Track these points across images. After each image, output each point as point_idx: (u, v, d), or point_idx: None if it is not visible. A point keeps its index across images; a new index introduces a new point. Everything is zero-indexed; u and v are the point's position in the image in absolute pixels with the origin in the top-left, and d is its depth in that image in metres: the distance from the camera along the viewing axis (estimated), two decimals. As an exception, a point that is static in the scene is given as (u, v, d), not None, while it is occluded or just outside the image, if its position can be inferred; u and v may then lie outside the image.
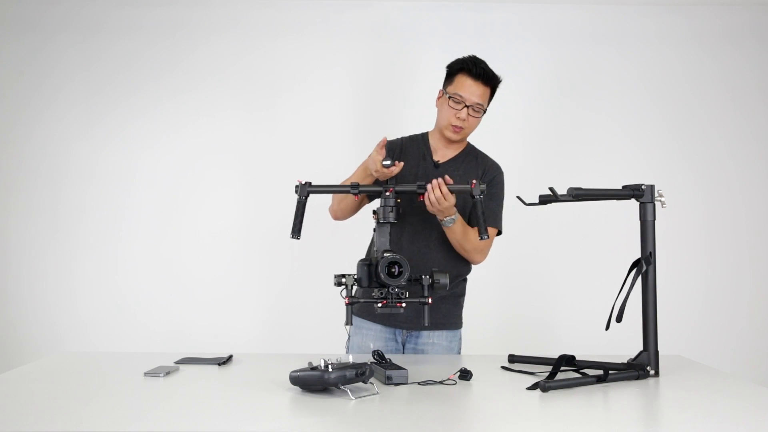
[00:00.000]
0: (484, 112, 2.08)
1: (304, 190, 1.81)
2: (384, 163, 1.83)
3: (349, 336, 2.15)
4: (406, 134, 2.21)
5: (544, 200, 1.77)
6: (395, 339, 2.10)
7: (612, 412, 1.46)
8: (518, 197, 1.83)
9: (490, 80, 2.04)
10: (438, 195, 1.82)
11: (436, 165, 2.11)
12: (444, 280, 1.72)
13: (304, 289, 3.37)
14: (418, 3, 3.44)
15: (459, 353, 2.15)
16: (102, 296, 3.39)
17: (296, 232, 1.81)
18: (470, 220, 2.07)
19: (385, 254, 1.69)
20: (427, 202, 1.83)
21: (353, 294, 1.71)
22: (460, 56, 2.09)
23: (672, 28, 3.49)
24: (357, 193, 1.83)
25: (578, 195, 1.74)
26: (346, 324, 1.74)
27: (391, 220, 1.77)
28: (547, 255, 3.46)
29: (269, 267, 3.42)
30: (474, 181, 1.80)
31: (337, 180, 2.14)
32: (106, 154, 3.42)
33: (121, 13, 3.43)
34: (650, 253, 1.76)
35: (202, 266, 3.41)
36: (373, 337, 2.09)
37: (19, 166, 3.41)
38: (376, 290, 1.71)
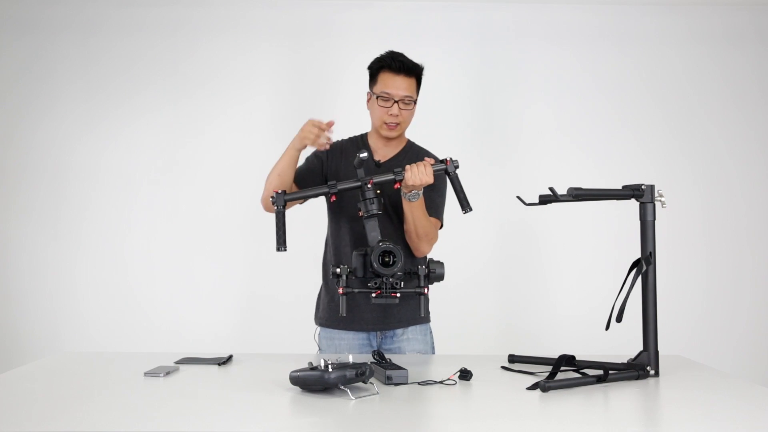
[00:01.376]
0: (415, 103, 2.05)
1: (281, 200, 1.78)
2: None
3: (320, 349, 2.10)
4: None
5: (544, 200, 1.76)
6: (370, 343, 2.07)
7: (612, 412, 1.46)
8: (518, 197, 1.83)
9: (411, 71, 2.02)
10: (422, 170, 1.80)
11: (378, 164, 2.05)
12: (440, 270, 1.73)
13: (306, 289, 3.37)
14: (418, 3, 3.44)
15: (433, 347, 2.14)
16: (102, 296, 3.40)
17: (281, 243, 1.78)
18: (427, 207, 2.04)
19: (379, 244, 1.69)
20: (407, 174, 1.80)
21: (347, 285, 1.71)
22: (377, 56, 2.08)
23: (672, 28, 3.49)
24: (335, 193, 1.81)
25: (578, 195, 1.74)
26: (340, 314, 1.73)
27: (376, 211, 1.75)
28: (547, 255, 3.46)
29: (270, 266, 3.41)
30: (448, 159, 1.83)
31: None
32: (107, 154, 3.42)
33: (121, 14, 3.43)
34: (650, 253, 1.76)
35: (203, 266, 3.41)
36: (347, 346, 2.06)
37: (21, 165, 3.42)
38: (371, 282, 1.70)
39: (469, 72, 3.46)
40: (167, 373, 1.69)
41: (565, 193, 1.75)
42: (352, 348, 2.05)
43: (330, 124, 1.92)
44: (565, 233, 3.45)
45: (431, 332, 2.16)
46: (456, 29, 3.44)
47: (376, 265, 1.67)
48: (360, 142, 2.16)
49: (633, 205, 1.81)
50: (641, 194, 1.77)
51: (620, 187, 1.80)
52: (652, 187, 1.78)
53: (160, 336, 3.34)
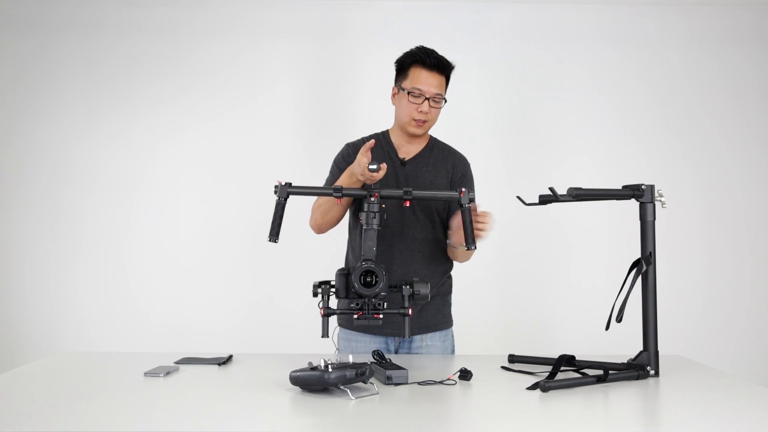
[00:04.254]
0: (445, 102, 2.02)
1: (284, 191, 1.72)
2: (371, 167, 1.72)
3: (338, 349, 2.08)
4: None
5: (544, 200, 1.76)
6: (387, 348, 2.05)
7: (612, 412, 1.46)
8: (518, 197, 1.83)
9: (444, 68, 1.98)
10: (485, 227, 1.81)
11: (403, 162, 2.05)
12: (425, 290, 1.66)
13: (306, 289, 3.36)
14: (418, 3, 3.44)
15: (453, 352, 2.12)
16: (102, 296, 3.40)
17: (274, 235, 1.72)
18: (447, 223, 2.06)
19: (362, 263, 1.64)
20: (480, 234, 1.81)
21: (329, 305, 1.66)
22: (407, 50, 2.02)
23: (672, 28, 3.49)
24: (340, 196, 1.75)
25: (578, 195, 1.74)
26: (323, 336, 1.68)
27: (375, 227, 1.69)
28: (547, 255, 3.46)
29: (271, 267, 3.42)
30: (463, 190, 1.75)
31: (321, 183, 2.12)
32: (107, 155, 3.42)
33: (121, 14, 3.43)
34: (650, 253, 1.76)
35: (203, 266, 3.41)
36: (363, 349, 2.04)
37: (21, 166, 3.41)
38: (354, 302, 1.65)
39: (468, 72, 3.46)
40: (167, 373, 1.69)
41: (565, 193, 1.75)
42: (369, 351, 2.01)
43: (369, 145, 1.80)
44: (565, 233, 3.44)
45: (453, 336, 2.14)
46: (454, 29, 3.44)
47: (357, 286, 1.61)
48: (383, 140, 2.09)
49: (633, 205, 1.81)
50: (641, 194, 1.77)
51: (620, 187, 1.80)
52: (652, 187, 1.78)
53: (160, 336, 3.34)
